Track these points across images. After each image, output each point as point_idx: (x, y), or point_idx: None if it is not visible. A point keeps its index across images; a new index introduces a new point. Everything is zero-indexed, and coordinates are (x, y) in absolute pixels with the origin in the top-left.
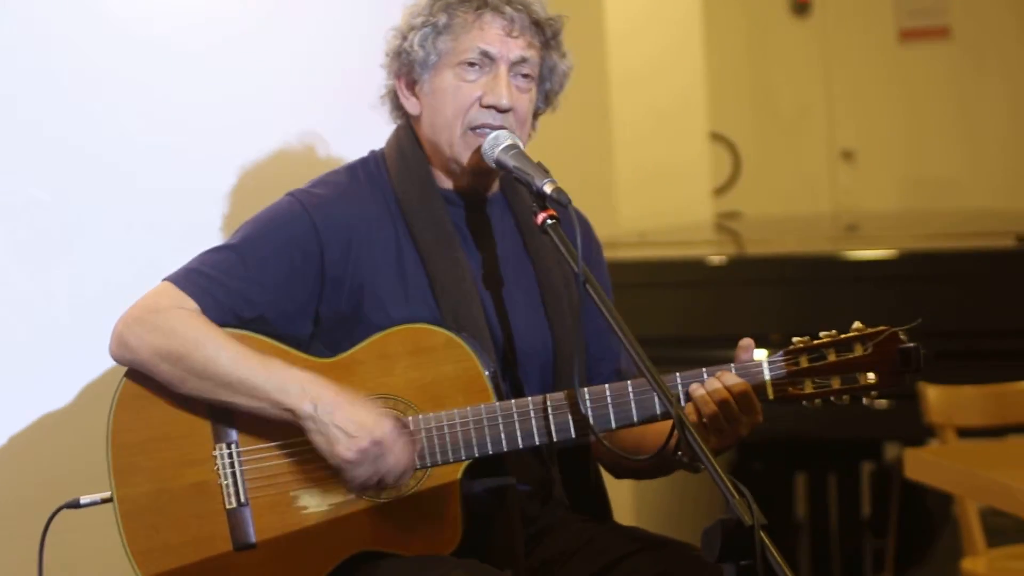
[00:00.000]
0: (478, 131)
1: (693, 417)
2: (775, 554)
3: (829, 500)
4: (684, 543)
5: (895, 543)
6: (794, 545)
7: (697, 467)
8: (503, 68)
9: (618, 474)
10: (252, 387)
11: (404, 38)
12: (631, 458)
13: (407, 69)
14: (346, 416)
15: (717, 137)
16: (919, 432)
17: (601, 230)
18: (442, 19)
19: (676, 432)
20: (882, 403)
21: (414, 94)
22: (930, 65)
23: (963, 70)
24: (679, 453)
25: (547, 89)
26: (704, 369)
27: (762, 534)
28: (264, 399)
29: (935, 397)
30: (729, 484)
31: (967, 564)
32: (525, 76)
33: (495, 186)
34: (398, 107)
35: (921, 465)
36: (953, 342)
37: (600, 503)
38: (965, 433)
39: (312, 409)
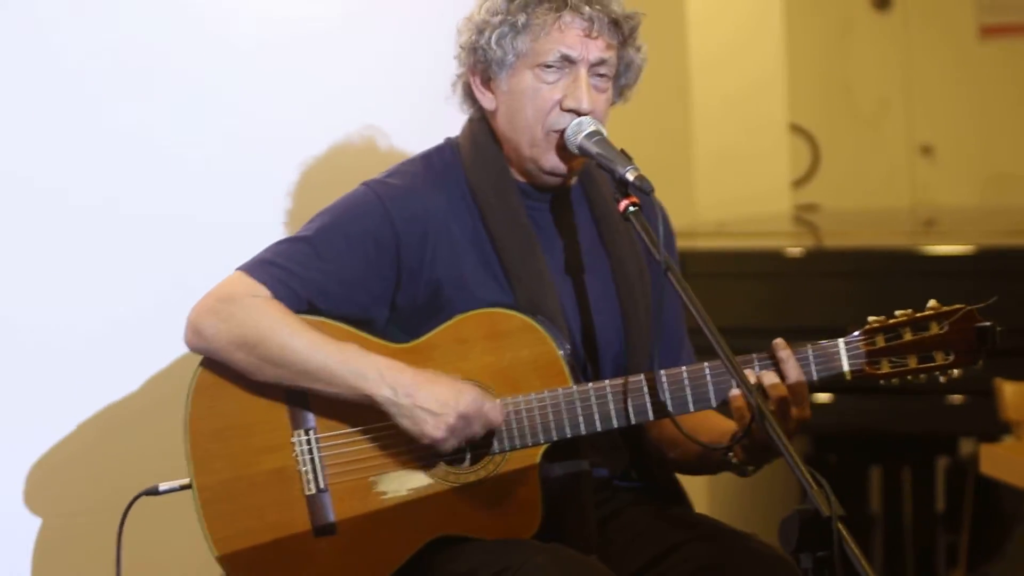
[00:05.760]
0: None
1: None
2: (852, 546)
3: (903, 494)
4: (743, 532)
5: (969, 538)
6: (868, 538)
7: (745, 471)
8: (583, 71)
9: (662, 465)
10: (330, 374)
11: (480, 33)
12: (698, 443)
13: (483, 66)
14: (427, 395)
15: (796, 129)
16: (994, 428)
17: (679, 218)
18: (521, 19)
19: (734, 435)
20: (958, 398)
21: (490, 90)
22: (1010, 61)
23: None
24: (730, 454)
25: (622, 84)
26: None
27: (840, 525)
28: (342, 385)
29: (1011, 393)
30: (808, 475)
31: None
32: (603, 75)
33: (573, 180)
34: (470, 96)
35: (996, 461)
36: None
37: (673, 489)
38: None
39: (392, 394)
